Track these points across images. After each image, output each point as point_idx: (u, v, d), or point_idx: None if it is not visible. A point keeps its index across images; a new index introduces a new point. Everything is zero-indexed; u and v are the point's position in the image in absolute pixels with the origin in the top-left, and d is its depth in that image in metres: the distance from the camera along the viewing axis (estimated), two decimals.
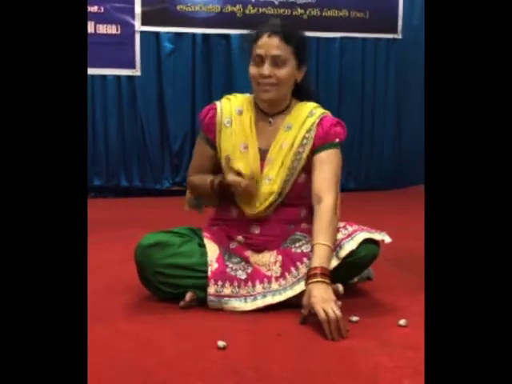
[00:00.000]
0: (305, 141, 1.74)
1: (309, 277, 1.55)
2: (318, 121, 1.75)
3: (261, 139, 1.77)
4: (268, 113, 1.79)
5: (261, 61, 1.69)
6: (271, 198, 1.73)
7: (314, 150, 1.74)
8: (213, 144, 1.79)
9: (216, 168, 1.81)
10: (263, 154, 1.76)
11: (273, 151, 1.75)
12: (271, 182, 1.73)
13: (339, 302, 1.52)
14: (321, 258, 1.56)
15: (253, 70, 1.72)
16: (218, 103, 1.81)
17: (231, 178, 1.71)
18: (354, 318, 1.55)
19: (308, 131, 1.74)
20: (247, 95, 1.84)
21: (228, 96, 1.85)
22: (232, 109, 1.79)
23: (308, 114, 1.77)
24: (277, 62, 1.68)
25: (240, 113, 1.79)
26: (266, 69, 1.68)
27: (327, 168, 1.72)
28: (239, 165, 1.73)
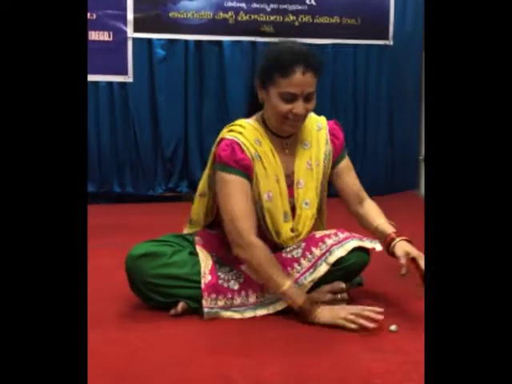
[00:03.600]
0: (325, 156, 1.76)
1: (392, 238, 1.67)
2: (328, 132, 1.79)
3: (282, 164, 1.71)
4: (282, 136, 1.72)
5: (292, 98, 1.59)
6: (312, 222, 1.74)
7: (335, 162, 1.79)
8: (251, 179, 1.65)
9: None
10: (288, 178, 1.72)
11: (299, 173, 1.72)
12: (311, 207, 1.73)
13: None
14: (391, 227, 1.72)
15: (282, 106, 1.60)
16: (233, 138, 1.65)
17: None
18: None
19: (325, 145, 1.76)
20: (250, 122, 1.71)
21: (232, 128, 1.70)
22: (251, 141, 1.66)
23: (316, 128, 1.78)
24: (308, 97, 1.61)
25: (260, 144, 1.68)
26: (302, 107, 1.60)
27: (352, 174, 1.82)
28: (278, 201, 1.67)
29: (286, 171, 1.72)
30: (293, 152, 1.74)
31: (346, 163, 1.81)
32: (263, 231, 1.68)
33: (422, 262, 1.57)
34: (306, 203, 1.72)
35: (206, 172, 1.76)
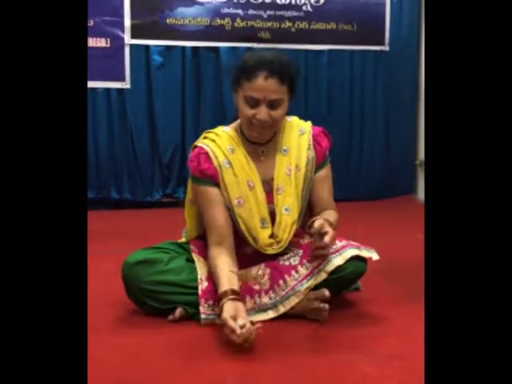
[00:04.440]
0: (307, 160, 1.75)
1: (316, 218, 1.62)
2: (312, 137, 1.77)
3: (260, 170, 1.72)
4: (257, 142, 1.73)
5: (255, 103, 1.61)
6: (293, 228, 1.72)
7: (316, 169, 1.77)
8: (219, 186, 1.69)
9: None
10: (266, 185, 1.72)
11: (278, 179, 1.72)
12: (291, 213, 1.71)
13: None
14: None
15: (247, 110, 1.62)
16: (204, 146, 1.71)
17: (230, 323, 1.44)
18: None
19: (308, 150, 1.75)
20: (227, 129, 1.75)
21: (206, 135, 1.75)
22: (223, 149, 1.70)
23: (298, 132, 1.77)
24: (273, 104, 1.62)
25: (232, 151, 1.71)
26: (264, 113, 1.61)
27: (327, 185, 1.79)
28: (252, 207, 1.68)
29: (264, 177, 1.72)
30: (271, 158, 1.74)
31: (323, 174, 1.79)
32: (242, 236, 1.70)
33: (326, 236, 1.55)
34: (286, 209, 1.71)
35: (190, 179, 1.79)
